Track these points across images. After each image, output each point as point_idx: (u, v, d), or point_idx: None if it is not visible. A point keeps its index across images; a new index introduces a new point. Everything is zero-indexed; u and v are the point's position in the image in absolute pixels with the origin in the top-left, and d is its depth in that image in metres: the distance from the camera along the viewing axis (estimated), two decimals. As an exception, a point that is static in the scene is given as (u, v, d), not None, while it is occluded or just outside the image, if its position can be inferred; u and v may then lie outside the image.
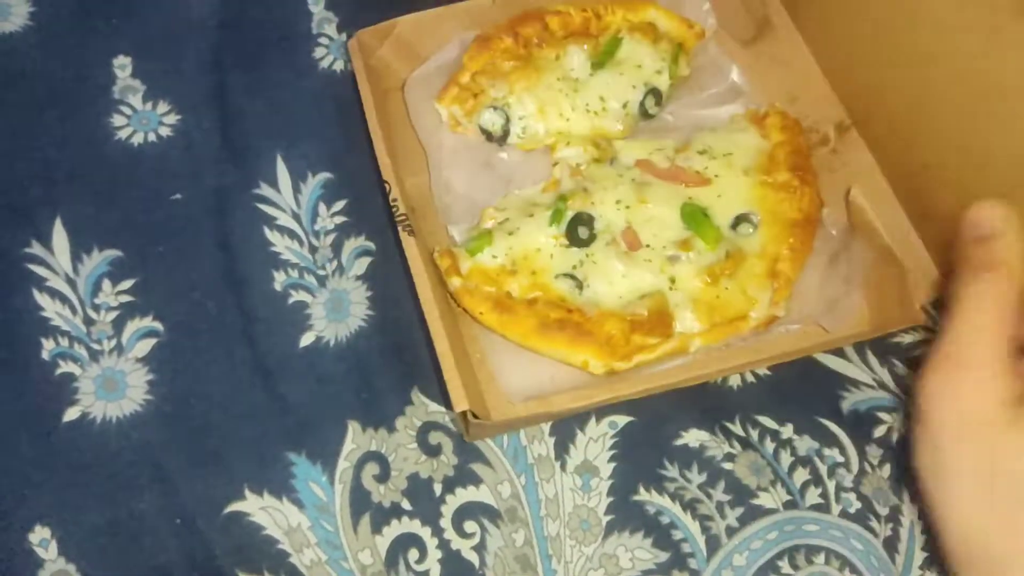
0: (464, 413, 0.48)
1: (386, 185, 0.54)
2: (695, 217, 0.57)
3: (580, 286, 0.56)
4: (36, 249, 0.59)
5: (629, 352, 0.54)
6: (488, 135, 0.62)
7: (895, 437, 0.56)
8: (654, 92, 0.63)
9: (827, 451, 0.56)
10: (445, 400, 0.55)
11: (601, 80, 0.62)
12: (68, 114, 0.64)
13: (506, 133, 0.62)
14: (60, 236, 0.60)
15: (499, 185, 0.61)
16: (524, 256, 0.57)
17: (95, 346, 0.57)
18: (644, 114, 0.63)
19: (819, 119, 0.64)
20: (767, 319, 0.55)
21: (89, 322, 0.58)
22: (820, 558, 0.53)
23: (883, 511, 0.54)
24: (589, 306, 0.55)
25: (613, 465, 0.55)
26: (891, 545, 0.54)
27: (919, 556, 0.54)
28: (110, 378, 0.56)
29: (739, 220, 0.58)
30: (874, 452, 0.56)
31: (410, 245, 0.52)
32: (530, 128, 0.62)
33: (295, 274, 0.60)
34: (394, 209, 0.54)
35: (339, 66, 0.66)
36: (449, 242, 0.59)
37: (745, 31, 0.67)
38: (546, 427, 0.56)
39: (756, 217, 0.57)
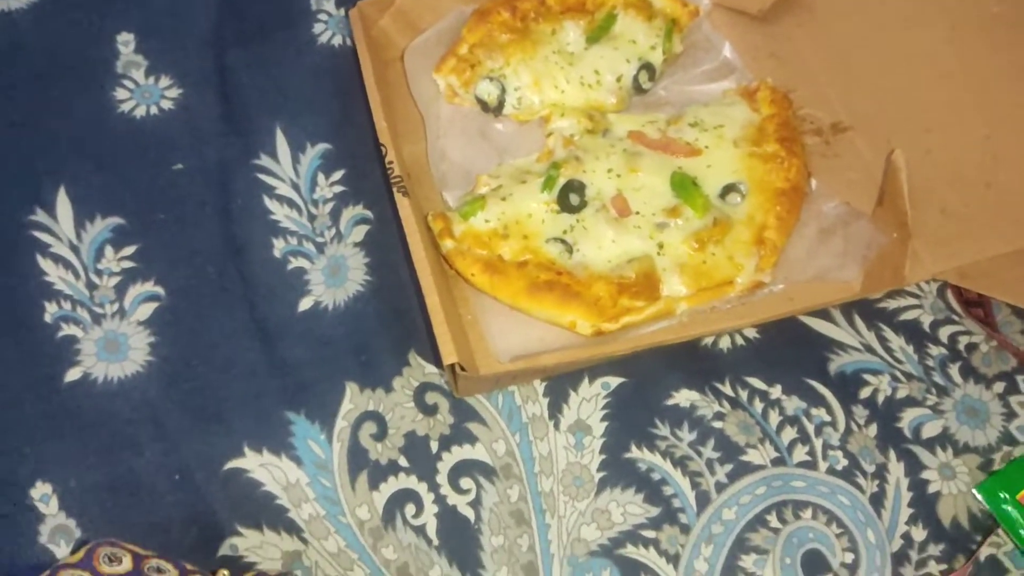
0: (453, 366, 0.49)
1: (383, 148, 0.56)
2: (684, 185, 0.59)
3: (570, 250, 0.57)
4: (40, 217, 0.60)
5: (616, 314, 0.55)
6: (484, 105, 0.63)
7: (881, 398, 0.58)
8: (648, 67, 0.64)
9: (814, 411, 0.57)
10: (437, 357, 0.56)
11: (596, 54, 0.64)
12: (72, 88, 0.65)
13: (502, 104, 0.63)
14: (64, 204, 0.61)
15: (494, 154, 0.63)
16: (516, 220, 0.58)
17: (97, 309, 0.58)
18: (638, 88, 0.64)
19: (814, 112, 0.65)
20: (752, 284, 0.56)
21: (92, 287, 0.59)
22: (807, 513, 0.54)
23: (869, 468, 0.56)
24: (578, 269, 0.56)
25: (605, 424, 0.56)
26: (877, 501, 0.55)
27: (905, 512, 0.55)
28: (112, 340, 0.57)
29: (727, 189, 0.59)
30: (860, 412, 0.57)
31: (404, 205, 0.54)
32: (525, 99, 0.63)
33: (294, 241, 0.61)
34: (389, 171, 0.55)
35: (338, 41, 0.67)
36: (444, 207, 0.60)
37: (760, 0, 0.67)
38: (540, 388, 0.57)
39: (744, 186, 0.59)
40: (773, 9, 0.67)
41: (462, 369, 0.50)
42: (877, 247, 0.58)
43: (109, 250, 0.60)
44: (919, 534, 0.54)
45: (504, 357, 0.55)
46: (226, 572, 0.48)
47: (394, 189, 0.55)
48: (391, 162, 0.55)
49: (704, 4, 0.68)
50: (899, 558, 0.54)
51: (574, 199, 0.58)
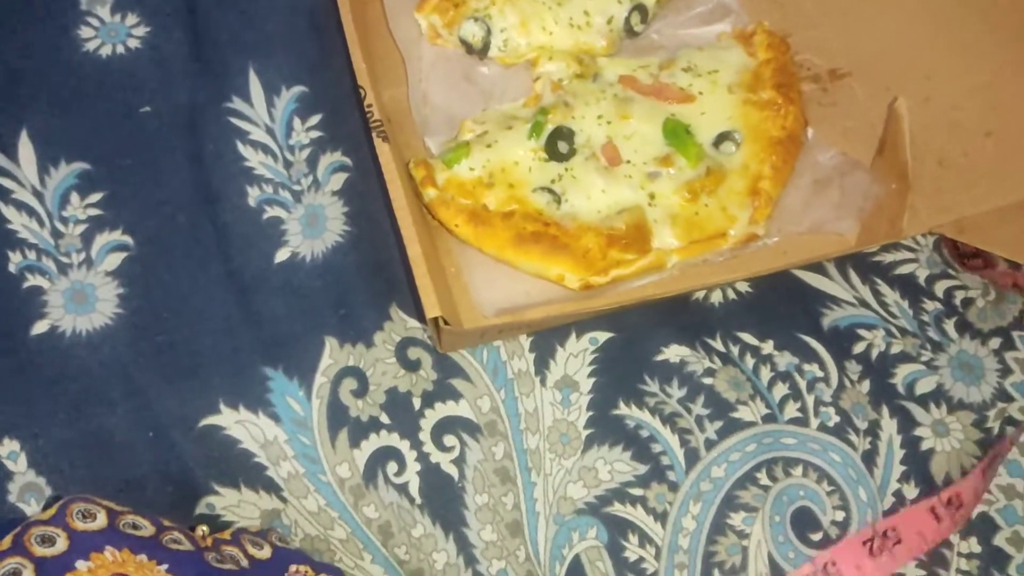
0: (436, 320, 0.47)
1: (361, 91, 0.53)
2: (677, 133, 0.56)
3: (558, 200, 0.55)
4: (1, 161, 0.57)
5: (605, 267, 0.53)
6: (468, 47, 0.60)
7: (875, 354, 0.56)
8: (640, 8, 0.61)
9: (807, 366, 0.56)
10: (419, 311, 0.54)
11: (586, -6, 0.61)
12: (34, 25, 0.62)
13: (487, 46, 0.60)
14: (26, 148, 0.58)
15: (479, 99, 0.60)
16: (502, 169, 0.56)
17: (63, 259, 0.56)
18: (629, 31, 0.62)
19: (812, 57, 0.63)
20: (746, 237, 0.54)
21: (57, 235, 0.56)
22: (798, 470, 0.53)
23: (862, 425, 0.55)
24: (567, 220, 0.54)
25: (593, 380, 0.55)
26: (869, 458, 0.54)
27: (897, 469, 0.54)
28: (79, 291, 0.55)
29: (721, 138, 0.57)
30: (853, 368, 0.56)
31: (384, 152, 0.51)
32: (512, 41, 0.60)
33: (269, 189, 0.58)
34: (368, 115, 0.52)
35: (314, -23, 0.64)
36: (426, 154, 0.58)
37: None
38: (526, 343, 0.55)
39: (739, 135, 0.57)
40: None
41: (445, 323, 0.48)
42: (874, 199, 0.56)
43: (75, 197, 0.57)
44: (911, 492, 0.54)
45: (489, 311, 0.53)
46: (205, 528, 0.47)
47: (373, 135, 0.52)
48: (370, 106, 0.53)
49: None
50: (890, 516, 0.53)
51: (563, 147, 0.56)
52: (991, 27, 0.62)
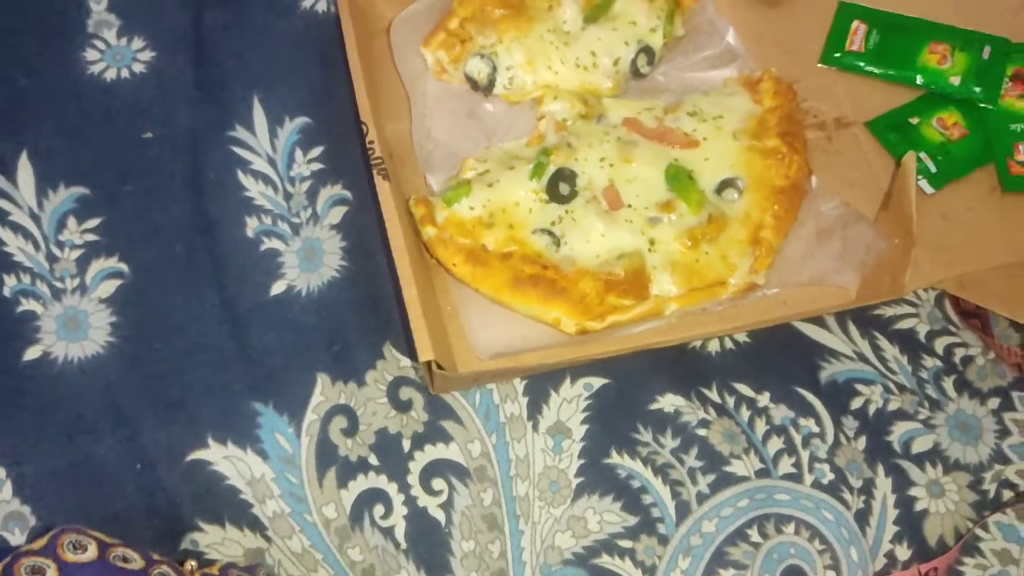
0: (429, 363, 0.47)
1: (363, 127, 0.53)
2: (679, 179, 0.56)
3: (557, 243, 0.55)
4: (0, 183, 0.57)
5: (603, 312, 0.52)
6: (474, 84, 0.60)
7: (872, 410, 0.56)
8: (647, 51, 0.61)
9: (802, 421, 0.55)
10: (413, 351, 0.54)
11: (593, 35, 0.60)
12: (40, 46, 0.62)
13: (492, 83, 0.60)
14: (25, 170, 0.58)
15: (482, 136, 0.60)
16: (502, 209, 0.55)
17: (58, 284, 0.55)
18: (635, 73, 0.61)
19: (818, 104, 0.62)
20: (746, 286, 0.54)
21: (53, 259, 0.56)
22: (790, 528, 0.53)
23: (856, 483, 0.54)
24: (565, 263, 0.54)
25: (586, 427, 0.54)
26: (862, 518, 0.53)
27: (890, 530, 0.53)
28: (72, 318, 0.55)
29: (724, 184, 0.56)
30: (850, 424, 0.55)
31: (383, 190, 0.51)
32: (517, 79, 0.60)
33: (268, 221, 0.58)
34: (370, 152, 0.52)
35: (322, 7, 0.64)
36: (427, 191, 0.57)
37: None
38: (520, 387, 0.55)
39: (742, 182, 0.56)
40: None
41: (439, 367, 0.47)
42: (876, 253, 0.55)
43: (72, 221, 0.57)
44: (903, 553, 0.53)
45: (484, 353, 0.53)
46: (194, 563, 0.46)
47: (374, 172, 0.52)
48: (372, 142, 0.52)
49: None
50: (879, 581, 0.52)
51: (564, 188, 0.56)
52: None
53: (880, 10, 0.64)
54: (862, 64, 0.63)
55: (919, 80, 0.62)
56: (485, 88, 0.60)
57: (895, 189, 0.56)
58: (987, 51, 0.61)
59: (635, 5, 0.61)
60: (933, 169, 0.59)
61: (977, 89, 0.61)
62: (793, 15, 0.65)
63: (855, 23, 0.64)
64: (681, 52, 0.63)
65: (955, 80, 0.61)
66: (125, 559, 0.44)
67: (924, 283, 0.56)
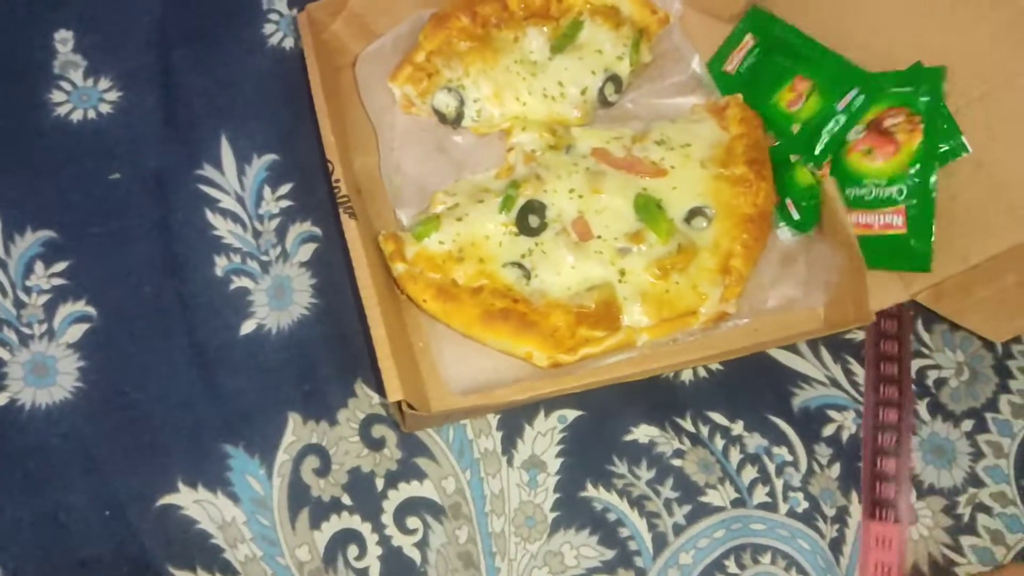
0: (399, 403, 0.46)
1: (329, 165, 0.53)
2: (648, 209, 0.56)
3: (528, 276, 0.54)
4: (-35, 228, 0.57)
5: (574, 345, 0.52)
6: (442, 117, 0.60)
7: (845, 436, 0.56)
8: (614, 79, 0.61)
9: (776, 449, 0.55)
10: (380, 389, 0.54)
11: (560, 64, 0.61)
12: (4, 89, 0.62)
13: (460, 116, 0.60)
14: (-9, 215, 0.57)
15: (451, 169, 0.60)
16: (472, 243, 0.55)
17: (25, 330, 0.55)
18: (603, 101, 0.62)
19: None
20: (717, 315, 0.54)
21: (20, 305, 0.55)
22: (767, 557, 0.53)
23: (830, 512, 0.54)
24: (536, 296, 0.54)
25: (561, 460, 0.54)
26: (836, 546, 0.53)
27: (866, 556, 0.53)
28: (40, 363, 0.54)
29: (693, 213, 0.56)
30: (823, 451, 0.55)
31: (350, 228, 0.51)
32: (485, 111, 0.60)
33: (237, 259, 0.58)
34: (336, 190, 0.52)
35: (289, 43, 0.64)
36: (396, 226, 0.57)
37: (733, 4, 0.64)
38: (493, 421, 0.55)
39: (711, 211, 0.56)
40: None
41: (410, 407, 0.47)
42: (838, 271, 0.55)
43: (39, 266, 0.57)
44: (879, 580, 0.53)
45: (456, 387, 0.53)
46: None
47: (340, 211, 0.51)
48: (337, 181, 0.52)
49: (675, 10, 0.64)
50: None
51: (533, 221, 0.56)
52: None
53: (782, 22, 0.60)
54: (731, 88, 0.61)
55: (766, 121, 0.58)
56: (453, 121, 0.60)
57: (825, 218, 0.56)
58: (847, 99, 0.55)
59: (601, 33, 0.61)
60: (796, 216, 0.56)
61: (809, 147, 0.56)
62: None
63: (747, 37, 0.61)
64: (648, 79, 0.64)
65: (795, 128, 0.57)
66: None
67: (893, 300, 0.55)
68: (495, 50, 0.60)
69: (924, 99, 0.53)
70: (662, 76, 0.64)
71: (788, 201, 0.57)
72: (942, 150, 0.53)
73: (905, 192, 0.53)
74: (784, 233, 0.57)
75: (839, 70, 0.56)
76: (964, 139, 0.53)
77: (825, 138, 0.56)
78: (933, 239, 0.52)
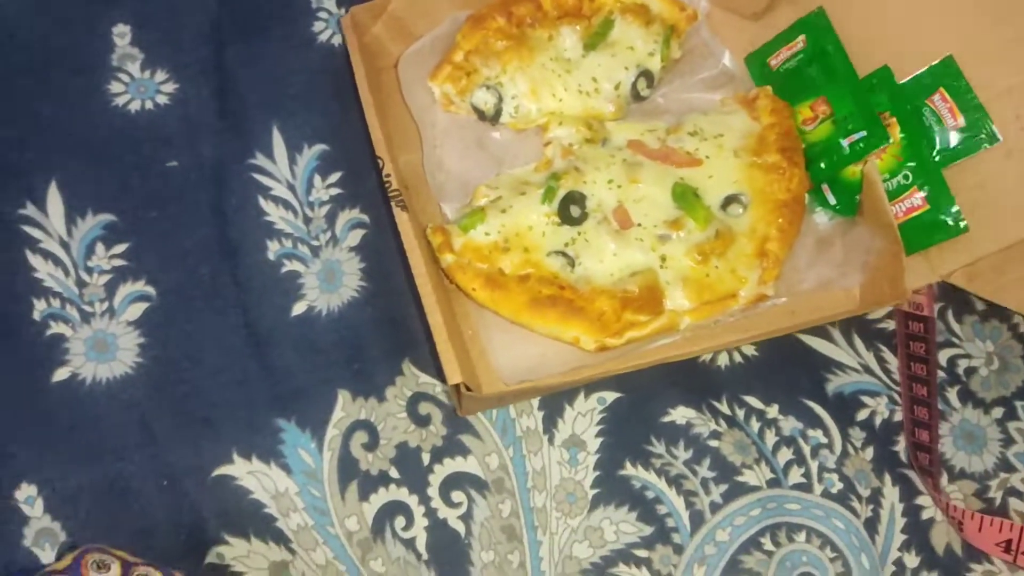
0: (457, 386, 0.48)
1: (379, 161, 0.55)
2: (686, 197, 0.58)
3: (572, 263, 0.56)
4: (30, 211, 0.59)
5: (620, 329, 0.54)
6: (481, 114, 0.62)
7: (878, 421, 0.57)
8: (646, 74, 0.63)
9: (811, 432, 0.56)
10: (439, 374, 0.56)
11: (593, 61, 0.63)
12: (66, 80, 0.64)
13: (499, 112, 0.62)
14: (55, 199, 0.60)
15: (491, 164, 0.62)
16: (516, 233, 0.57)
17: (87, 308, 0.57)
18: (636, 96, 0.63)
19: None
20: (756, 297, 0.55)
21: (81, 284, 0.58)
22: (801, 536, 0.54)
23: (864, 492, 0.55)
24: (581, 283, 0.55)
25: (600, 440, 0.56)
26: (871, 526, 0.54)
27: (899, 538, 0.55)
28: (101, 340, 0.56)
29: (729, 200, 0.58)
30: (857, 435, 0.57)
31: (403, 221, 0.53)
32: (523, 108, 0.62)
33: (289, 244, 0.60)
34: (387, 185, 0.54)
35: (337, 40, 0.66)
36: (442, 219, 0.59)
37: (755, 3, 0.65)
38: (535, 401, 0.56)
39: (746, 197, 0.58)
40: (769, 10, 0.65)
41: (467, 389, 0.48)
42: (876, 252, 0.57)
43: (100, 247, 0.59)
44: (912, 560, 0.54)
45: (506, 373, 0.54)
46: None
47: (392, 204, 0.53)
48: (388, 175, 0.54)
49: (702, 7, 0.66)
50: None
51: (575, 211, 0.57)
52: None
53: (836, 38, 0.61)
54: (766, 83, 0.63)
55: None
56: (492, 118, 0.62)
57: (865, 200, 0.57)
58: (852, 138, 0.58)
59: (632, 31, 0.63)
60: (832, 201, 0.59)
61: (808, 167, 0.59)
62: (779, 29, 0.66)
63: (800, 37, 0.63)
64: (679, 74, 0.66)
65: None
66: (147, 578, 0.45)
67: (923, 281, 0.56)
68: (530, 48, 0.62)
69: (883, 98, 0.58)
70: (692, 71, 0.66)
71: (824, 186, 0.58)
72: (971, 138, 0.57)
73: (912, 175, 0.57)
74: (821, 217, 0.59)
75: (856, 108, 0.59)
76: (994, 127, 0.55)
77: (823, 164, 0.59)
78: (956, 206, 0.56)
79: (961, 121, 0.57)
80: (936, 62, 0.58)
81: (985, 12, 0.57)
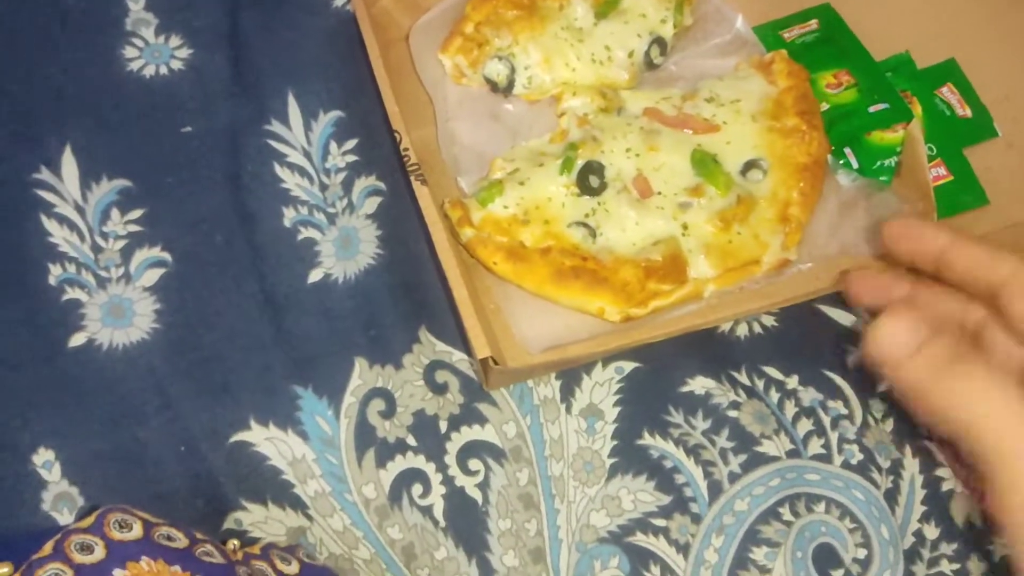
0: (484, 360, 0.48)
1: (396, 135, 0.54)
2: (705, 163, 0.57)
3: (593, 234, 0.56)
4: (45, 175, 0.59)
5: (645, 298, 0.54)
6: (493, 86, 0.61)
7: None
8: (659, 41, 0.62)
9: (831, 403, 0.56)
10: (456, 342, 0.56)
11: (606, 30, 0.62)
12: (80, 44, 0.63)
13: (511, 83, 0.61)
14: (69, 163, 0.59)
15: (506, 136, 0.61)
16: (536, 205, 0.56)
17: (103, 273, 0.57)
18: (649, 64, 0.63)
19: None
20: (779, 263, 0.55)
21: (97, 249, 0.57)
22: (820, 507, 0.54)
23: (884, 464, 0.55)
24: (603, 253, 0.55)
25: (618, 409, 0.55)
26: (891, 497, 0.54)
27: (919, 509, 0.54)
28: (117, 305, 0.56)
29: (749, 166, 0.58)
30: (877, 406, 0.56)
31: (423, 195, 0.52)
32: (536, 78, 0.61)
33: (305, 211, 0.59)
34: (406, 159, 0.53)
35: (351, 7, 0.65)
36: (458, 193, 0.59)
37: None
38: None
39: (765, 163, 0.57)
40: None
41: (495, 363, 0.48)
42: (902, 217, 0.56)
43: (115, 213, 0.58)
44: (932, 532, 0.54)
45: (531, 346, 0.54)
46: (236, 542, 0.47)
47: (411, 178, 0.53)
48: (407, 150, 0.53)
49: None
50: (911, 555, 0.53)
51: (594, 181, 0.57)
52: (1006, 39, 0.62)
53: (850, 31, 0.63)
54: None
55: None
56: (504, 89, 0.62)
57: (906, 158, 0.57)
58: (878, 107, 0.60)
59: (644, -2, 0.62)
60: (855, 164, 0.60)
61: (828, 128, 0.60)
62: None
63: (812, 20, 0.64)
64: (692, 41, 0.65)
65: (824, 106, 0.61)
66: (170, 538, 0.45)
67: None
68: (542, 18, 0.62)
69: (902, 79, 0.62)
70: (705, 37, 0.65)
71: (847, 150, 0.59)
72: (978, 127, 0.61)
73: (936, 148, 0.59)
74: (844, 179, 0.58)
75: (882, 83, 0.61)
76: (995, 125, 0.61)
77: (845, 128, 0.60)
78: (976, 179, 0.59)
79: (968, 112, 0.61)
80: (942, 60, 0.62)
81: (988, 23, 0.61)
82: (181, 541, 0.44)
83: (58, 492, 0.52)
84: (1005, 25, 0.61)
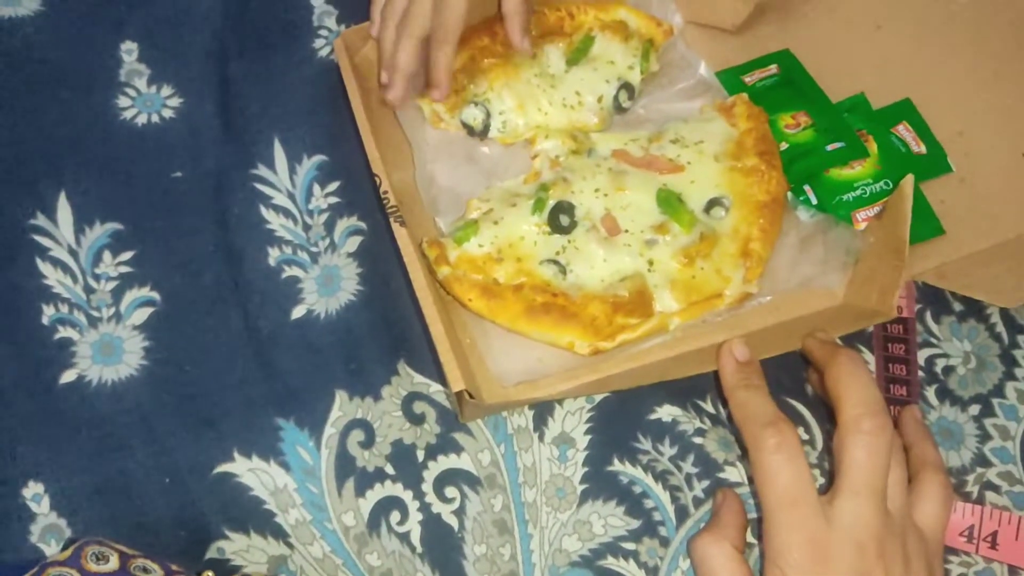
0: (460, 393, 0.50)
1: (376, 179, 0.57)
2: (670, 202, 0.60)
3: (564, 271, 0.58)
4: (41, 220, 0.61)
5: (613, 332, 0.56)
6: (470, 130, 0.65)
7: (859, 418, 0.59)
8: (627, 87, 0.66)
9: (793, 429, 0.58)
10: (433, 374, 0.58)
11: (576, 76, 0.65)
12: (75, 95, 0.67)
13: (487, 127, 0.64)
14: (64, 209, 0.62)
15: (482, 177, 0.64)
16: (509, 244, 0.59)
17: (94, 313, 0.59)
18: (618, 108, 0.66)
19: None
20: (741, 296, 0.57)
21: (89, 290, 0.60)
22: (784, 529, 0.55)
23: (845, 486, 0.57)
24: (573, 290, 0.57)
25: (589, 437, 0.57)
26: (852, 519, 0.56)
27: (879, 530, 0.56)
28: (108, 343, 0.58)
29: (712, 204, 0.60)
30: (838, 432, 0.58)
31: (402, 235, 0.55)
32: (510, 122, 0.64)
33: (289, 250, 0.62)
34: (385, 201, 0.56)
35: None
36: (436, 233, 0.61)
37: (735, 15, 0.69)
38: (525, 400, 0.58)
39: (727, 200, 0.60)
40: (747, 23, 0.68)
41: (470, 396, 0.50)
42: (855, 252, 0.59)
43: (107, 255, 0.61)
44: (892, 552, 0.55)
45: (505, 378, 0.56)
46: (211, 573, 0.49)
47: (391, 219, 0.56)
48: (386, 192, 0.56)
49: (677, 23, 0.69)
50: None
51: (564, 220, 0.60)
52: (958, 80, 0.65)
53: (809, 75, 0.66)
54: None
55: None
56: (480, 133, 0.65)
57: (889, 211, 0.59)
58: (834, 146, 0.63)
59: (612, 46, 0.66)
60: (814, 201, 0.62)
61: (787, 166, 0.62)
62: (759, 43, 0.69)
63: (774, 65, 0.68)
64: (658, 86, 0.68)
65: (783, 146, 0.64)
66: (145, 570, 0.46)
67: (905, 275, 0.58)
68: (516, 65, 0.65)
69: (857, 119, 0.64)
70: (671, 83, 0.69)
71: (807, 187, 0.62)
72: (932, 163, 0.64)
73: (892, 183, 0.61)
74: (803, 214, 0.61)
75: (838, 123, 0.64)
76: (949, 160, 0.63)
77: (804, 166, 0.63)
78: (933, 210, 0.61)
79: (923, 148, 0.64)
80: (898, 100, 0.65)
81: (941, 63, 0.65)
82: (156, 573, 0.46)
83: (46, 524, 0.54)
84: (957, 65, 0.65)
